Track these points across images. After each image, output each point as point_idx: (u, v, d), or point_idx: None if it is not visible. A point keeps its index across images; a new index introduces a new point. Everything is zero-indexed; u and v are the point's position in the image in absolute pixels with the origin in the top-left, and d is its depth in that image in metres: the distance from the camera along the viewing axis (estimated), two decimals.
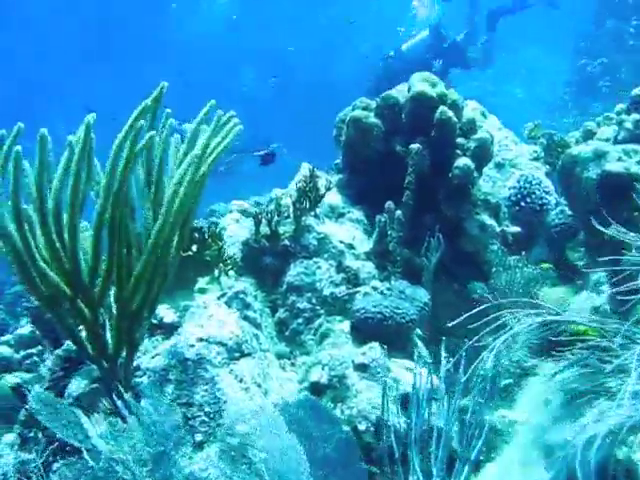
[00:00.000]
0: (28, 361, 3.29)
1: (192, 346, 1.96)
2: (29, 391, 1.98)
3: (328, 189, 2.40)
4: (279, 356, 2.24)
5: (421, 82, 2.51)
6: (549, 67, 14.61)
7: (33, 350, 3.32)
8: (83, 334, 1.81)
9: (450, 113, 2.44)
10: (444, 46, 6.46)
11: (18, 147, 1.60)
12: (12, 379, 1.93)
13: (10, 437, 2.08)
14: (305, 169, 2.79)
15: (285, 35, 15.22)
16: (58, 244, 1.61)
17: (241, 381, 1.95)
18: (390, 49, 6.63)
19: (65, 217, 1.62)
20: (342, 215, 2.60)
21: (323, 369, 2.08)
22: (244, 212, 3.07)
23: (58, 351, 2.00)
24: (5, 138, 1.60)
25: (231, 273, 2.32)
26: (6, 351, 3.26)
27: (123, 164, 1.59)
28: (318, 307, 2.31)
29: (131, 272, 1.72)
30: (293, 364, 2.23)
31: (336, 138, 2.80)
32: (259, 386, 1.98)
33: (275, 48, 14.96)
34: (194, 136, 1.80)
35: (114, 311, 1.77)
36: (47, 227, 1.60)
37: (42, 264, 1.62)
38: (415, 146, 2.34)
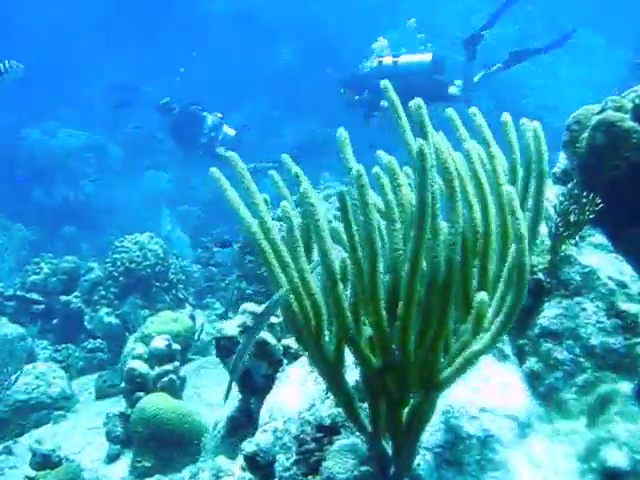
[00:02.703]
0: (165, 379, 2.91)
1: (474, 418, 1.54)
2: (272, 464, 1.58)
3: (593, 212, 1.94)
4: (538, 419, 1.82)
5: None
6: (602, 50, 13.82)
7: (169, 367, 2.94)
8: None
9: None
10: (437, 77, 6.35)
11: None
12: (248, 446, 1.52)
13: None
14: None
15: (324, 6, 14.59)
16: (382, 305, 1.18)
17: (538, 467, 1.53)
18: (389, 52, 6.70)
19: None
20: (582, 238, 2.13)
21: (620, 449, 1.64)
22: None
23: (306, 415, 1.58)
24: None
25: None
26: (141, 367, 2.89)
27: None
28: (582, 359, 1.87)
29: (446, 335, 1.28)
30: (557, 431, 1.80)
31: (567, 143, 2.31)
32: (556, 473, 1.56)
33: (313, 19, 14.41)
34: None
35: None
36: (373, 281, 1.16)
37: (355, 332, 1.19)
38: None
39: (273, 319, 2.03)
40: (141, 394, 2.80)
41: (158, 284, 5.51)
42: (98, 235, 11.40)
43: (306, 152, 12.64)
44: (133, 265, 5.43)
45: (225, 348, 2.06)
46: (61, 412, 3.60)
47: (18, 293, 5.53)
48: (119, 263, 5.46)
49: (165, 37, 15.40)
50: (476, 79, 6.55)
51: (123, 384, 2.93)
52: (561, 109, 12.61)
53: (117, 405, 3.70)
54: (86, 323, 5.43)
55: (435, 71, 6.38)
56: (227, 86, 13.73)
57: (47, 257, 5.68)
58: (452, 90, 6.45)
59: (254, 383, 2.04)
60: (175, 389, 2.87)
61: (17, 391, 3.55)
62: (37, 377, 3.65)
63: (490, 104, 12.33)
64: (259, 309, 2.07)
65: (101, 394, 3.73)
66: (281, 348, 2.00)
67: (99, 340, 4.67)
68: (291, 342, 1.93)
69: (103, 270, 5.57)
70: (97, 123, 14.12)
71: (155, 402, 2.65)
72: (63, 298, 5.47)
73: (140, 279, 5.46)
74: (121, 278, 5.44)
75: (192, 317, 5.27)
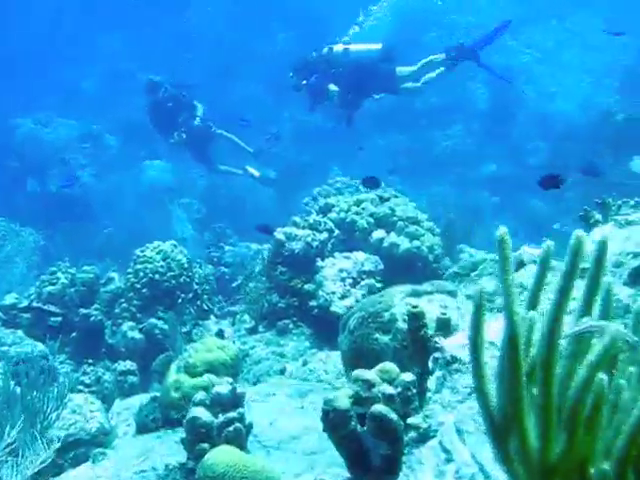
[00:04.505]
0: (231, 428, 2.65)
1: None
2: None
3: None
4: None
5: None
6: (603, 36, 13.60)
7: (234, 414, 2.69)
8: None
9: None
10: (382, 67, 6.38)
11: None
12: None
13: None
14: None
15: None
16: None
17: None
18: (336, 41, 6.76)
19: None
20: None
21: None
22: None
23: None
24: None
25: None
26: (205, 416, 2.63)
27: None
28: None
29: None
30: None
31: None
32: None
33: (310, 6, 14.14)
34: None
35: None
36: None
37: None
38: None
39: (391, 390, 1.79)
40: (205, 446, 2.54)
41: (183, 295, 5.24)
42: (98, 230, 11.03)
43: (307, 143, 12.32)
44: (157, 276, 5.15)
45: (335, 421, 1.81)
46: (100, 449, 3.34)
47: (34, 304, 5.23)
48: (142, 274, 5.17)
49: (157, 21, 15.00)
50: (419, 84, 6.50)
51: (186, 434, 2.67)
52: (560, 95, 12.45)
53: (160, 441, 3.45)
54: (107, 337, 5.15)
55: (383, 59, 6.38)
56: (221, 72, 13.42)
57: (64, 266, 5.37)
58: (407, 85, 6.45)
59: (368, 462, 1.80)
60: (242, 439, 2.61)
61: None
62: (74, 411, 3.38)
63: (485, 91, 12.15)
64: (373, 376, 1.82)
65: (143, 429, 3.47)
66: (402, 424, 1.75)
67: (129, 362, 4.39)
68: (420, 422, 1.69)
69: (124, 281, 5.28)
70: (89, 112, 13.72)
71: (225, 458, 2.40)
72: (82, 311, 5.17)
73: (164, 291, 5.18)
74: (144, 290, 5.15)
75: (220, 332, 5.02)
